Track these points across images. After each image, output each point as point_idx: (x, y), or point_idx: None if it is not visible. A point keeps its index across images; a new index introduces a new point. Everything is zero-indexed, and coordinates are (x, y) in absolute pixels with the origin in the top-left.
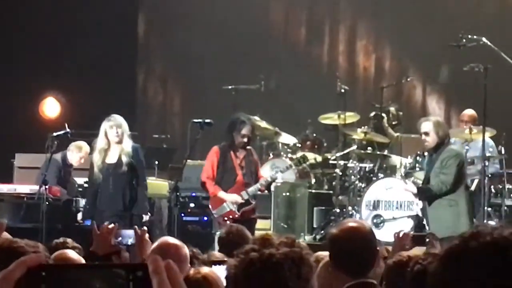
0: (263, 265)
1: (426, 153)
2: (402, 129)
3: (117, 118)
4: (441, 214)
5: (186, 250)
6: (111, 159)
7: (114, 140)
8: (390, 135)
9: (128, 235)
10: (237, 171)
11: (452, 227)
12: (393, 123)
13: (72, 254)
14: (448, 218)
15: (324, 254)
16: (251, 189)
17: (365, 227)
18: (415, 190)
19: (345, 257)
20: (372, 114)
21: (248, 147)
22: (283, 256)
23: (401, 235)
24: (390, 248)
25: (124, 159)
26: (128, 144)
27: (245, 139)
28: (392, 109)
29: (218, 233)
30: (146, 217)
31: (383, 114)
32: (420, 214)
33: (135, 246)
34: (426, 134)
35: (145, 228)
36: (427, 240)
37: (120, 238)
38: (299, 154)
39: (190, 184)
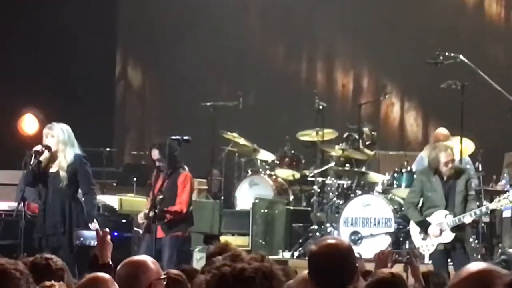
0: (236, 279)
1: (403, 170)
2: (378, 147)
3: (54, 127)
4: None
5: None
6: (53, 168)
7: (50, 148)
8: (366, 154)
9: (91, 237)
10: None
11: None
12: (367, 143)
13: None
14: None
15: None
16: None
17: (344, 243)
18: None
19: (324, 273)
20: (345, 135)
21: (176, 170)
22: (254, 270)
23: (383, 253)
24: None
25: (61, 173)
26: (68, 156)
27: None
28: (365, 129)
29: (196, 249)
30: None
31: (357, 136)
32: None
33: (96, 248)
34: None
35: (107, 229)
36: (407, 256)
37: (82, 239)
38: (277, 170)
39: None
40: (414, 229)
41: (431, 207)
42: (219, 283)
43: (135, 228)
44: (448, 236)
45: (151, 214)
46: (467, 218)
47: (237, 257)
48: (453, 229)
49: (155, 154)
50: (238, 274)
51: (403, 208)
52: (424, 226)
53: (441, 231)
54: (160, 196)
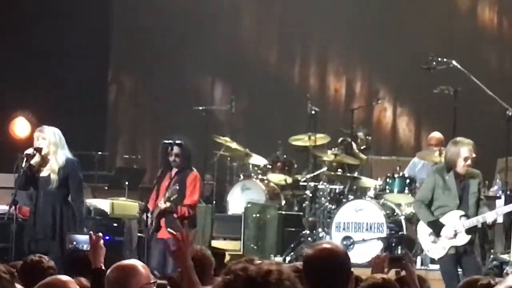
0: (265, 280)
1: (395, 175)
2: (372, 152)
3: (44, 129)
4: None
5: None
6: (44, 172)
7: (41, 150)
8: (360, 159)
9: (83, 241)
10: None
11: None
12: (362, 147)
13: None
14: None
15: None
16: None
17: (339, 248)
18: None
19: (319, 277)
20: (340, 140)
21: (183, 170)
22: (281, 272)
23: (379, 258)
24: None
25: (52, 175)
26: (59, 159)
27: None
28: (360, 134)
29: None
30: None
31: (351, 140)
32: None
33: (89, 252)
34: (473, 158)
35: (100, 234)
36: (404, 261)
37: (75, 243)
38: (269, 175)
39: None
40: (423, 230)
41: (441, 207)
42: (246, 284)
43: (139, 234)
44: (463, 239)
45: (166, 205)
46: (490, 217)
47: (252, 261)
48: (467, 231)
49: (176, 149)
50: (266, 275)
51: (395, 213)
52: (437, 227)
53: (456, 233)
54: (176, 187)
